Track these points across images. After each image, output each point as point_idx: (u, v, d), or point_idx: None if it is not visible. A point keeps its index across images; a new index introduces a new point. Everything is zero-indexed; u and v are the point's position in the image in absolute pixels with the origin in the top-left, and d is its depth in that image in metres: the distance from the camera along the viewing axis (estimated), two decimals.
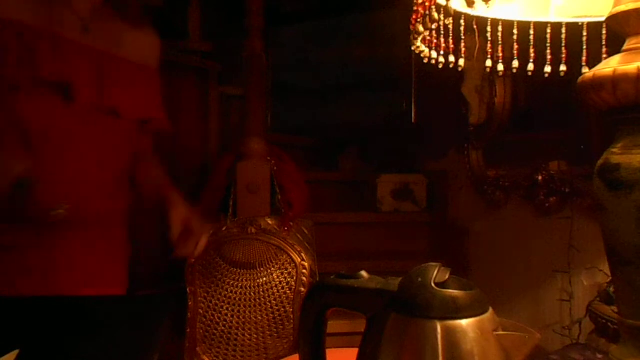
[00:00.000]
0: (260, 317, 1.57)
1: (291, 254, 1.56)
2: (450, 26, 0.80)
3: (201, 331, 1.58)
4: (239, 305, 1.58)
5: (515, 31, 0.81)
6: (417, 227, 2.68)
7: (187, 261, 1.63)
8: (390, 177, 2.71)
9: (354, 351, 0.56)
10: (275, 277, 1.57)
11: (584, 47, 0.82)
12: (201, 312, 1.59)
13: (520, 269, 2.06)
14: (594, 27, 0.82)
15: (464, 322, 0.51)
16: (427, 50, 0.86)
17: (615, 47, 0.73)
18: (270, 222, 1.77)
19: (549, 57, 0.81)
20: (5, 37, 1.10)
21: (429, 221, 2.68)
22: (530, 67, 0.82)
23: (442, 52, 0.84)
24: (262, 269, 1.58)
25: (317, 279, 1.60)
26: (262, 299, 1.57)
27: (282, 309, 1.55)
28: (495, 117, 2.03)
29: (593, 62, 0.77)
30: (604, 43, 0.80)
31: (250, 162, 2.00)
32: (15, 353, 0.76)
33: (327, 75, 3.64)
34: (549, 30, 0.82)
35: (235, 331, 1.57)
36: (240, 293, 1.59)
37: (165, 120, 1.38)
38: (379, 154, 3.12)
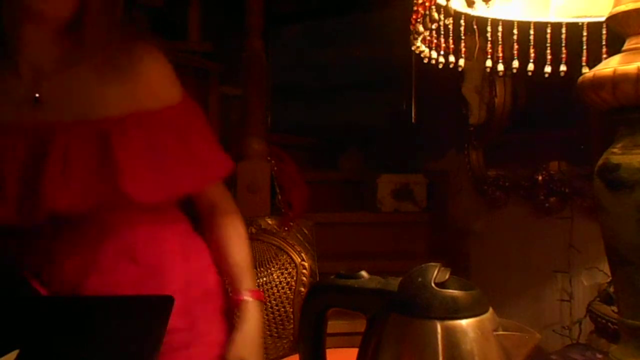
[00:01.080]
0: None
1: (291, 254, 1.56)
2: (450, 26, 0.80)
3: None
4: None
5: (515, 31, 0.81)
6: (417, 227, 2.68)
7: None
8: (390, 177, 2.71)
9: (354, 351, 0.56)
10: (275, 277, 1.57)
11: (584, 47, 0.82)
12: None
13: (520, 269, 2.06)
14: (594, 27, 0.82)
15: (464, 322, 0.51)
16: (427, 50, 0.86)
17: (615, 47, 0.73)
18: (270, 222, 1.76)
19: (549, 57, 0.81)
20: None
21: (429, 221, 2.68)
22: (530, 67, 0.81)
23: (442, 52, 0.84)
24: (262, 269, 1.58)
25: (317, 279, 1.60)
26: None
27: (282, 309, 1.55)
28: (495, 117, 2.03)
29: (593, 62, 0.77)
30: (604, 43, 0.80)
31: (250, 162, 2.00)
32: (15, 353, 0.76)
33: (327, 75, 3.64)
34: (549, 30, 0.82)
35: None
36: None
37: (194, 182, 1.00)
38: (379, 154, 3.12)
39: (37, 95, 0.89)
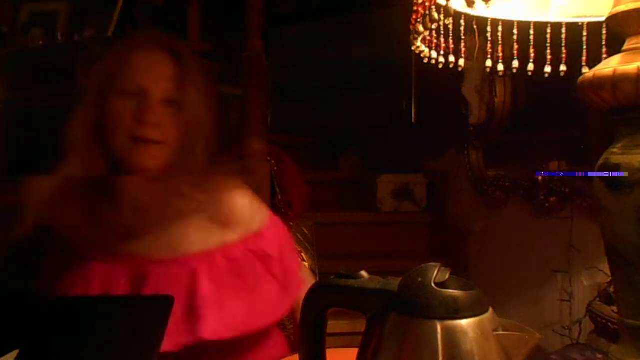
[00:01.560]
0: None
1: None
2: (450, 26, 0.80)
3: None
4: None
5: (515, 31, 0.81)
6: (417, 227, 2.68)
7: None
8: (390, 177, 2.71)
9: (354, 351, 0.56)
10: None
11: (584, 47, 0.82)
12: None
13: (520, 269, 2.06)
14: (594, 27, 0.82)
15: (464, 322, 0.51)
16: (427, 50, 0.86)
17: (615, 47, 0.73)
18: None
19: (549, 57, 0.81)
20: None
21: (429, 221, 2.68)
22: (530, 67, 0.81)
23: (442, 52, 0.84)
24: None
25: (317, 279, 1.60)
26: None
27: None
28: (495, 117, 2.03)
29: (593, 62, 0.77)
30: (604, 43, 0.80)
31: (250, 162, 2.00)
32: (15, 353, 0.76)
33: (327, 75, 3.63)
34: (549, 30, 0.82)
35: None
36: None
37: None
38: (379, 154, 3.12)
39: (133, 229, 0.95)
